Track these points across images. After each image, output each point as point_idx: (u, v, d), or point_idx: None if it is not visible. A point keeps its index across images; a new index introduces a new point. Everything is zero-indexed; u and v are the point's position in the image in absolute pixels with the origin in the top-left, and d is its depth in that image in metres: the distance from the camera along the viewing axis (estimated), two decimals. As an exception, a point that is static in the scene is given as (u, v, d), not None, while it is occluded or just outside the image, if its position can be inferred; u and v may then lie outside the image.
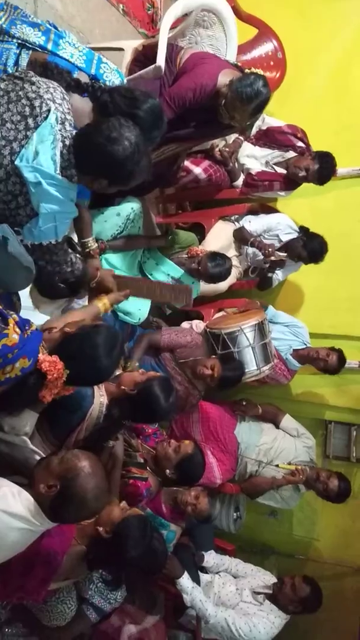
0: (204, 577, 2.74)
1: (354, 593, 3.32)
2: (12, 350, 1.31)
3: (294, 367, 3.23)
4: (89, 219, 2.11)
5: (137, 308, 2.59)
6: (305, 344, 3.24)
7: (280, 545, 3.58)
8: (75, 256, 1.84)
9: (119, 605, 2.24)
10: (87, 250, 2.08)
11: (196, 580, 2.62)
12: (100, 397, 1.84)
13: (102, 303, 1.95)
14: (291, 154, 3.12)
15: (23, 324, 1.39)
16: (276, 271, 3.29)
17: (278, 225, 3.26)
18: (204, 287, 3.03)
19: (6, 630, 2.07)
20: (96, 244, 2.12)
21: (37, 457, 1.64)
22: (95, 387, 1.86)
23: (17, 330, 1.35)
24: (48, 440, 1.76)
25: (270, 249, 3.09)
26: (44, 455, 1.65)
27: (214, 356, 2.74)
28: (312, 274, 3.48)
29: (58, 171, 1.52)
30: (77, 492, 1.43)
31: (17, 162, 1.47)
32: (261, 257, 3.18)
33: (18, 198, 1.53)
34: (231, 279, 3.18)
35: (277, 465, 3.01)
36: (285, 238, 3.24)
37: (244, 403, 3.31)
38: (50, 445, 1.76)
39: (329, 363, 3.06)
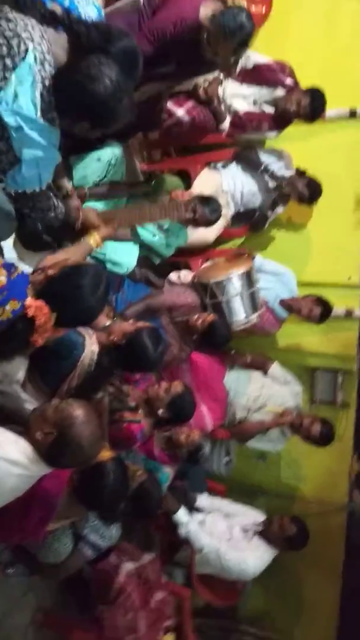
0: (196, 516, 2.86)
1: (338, 529, 3.50)
2: (1, 292, 1.31)
3: (281, 316, 3.25)
4: (60, 164, 2.01)
5: (125, 257, 2.55)
6: (292, 293, 3.26)
7: (269, 486, 3.72)
8: (58, 200, 1.79)
9: (117, 544, 2.35)
10: (64, 191, 1.99)
11: (189, 518, 2.74)
12: (91, 345, 1.84)
13: (93, 238, 1.92)
14: (280, 92, 3.01)
15: (9, 266, 1.37)
16: (276, 209, 3.25)
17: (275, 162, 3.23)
18: (191, 238, 2.99)
19: (8, 570, 2.16)
20: (70, 184, 2.04)
21: (30, 407, 1.65)
22: (87, 336, 1.85)
23: (4, 272, 1.33)
24: (40, 389, 1.77)
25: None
26: (36, 405, 1.67)
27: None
28: (298, 220, 3.46)
29: (39, 114, 1.45)
30: (73, 439, 1.46)
31: None
32: (258, 193, 3.12)
33: None
34: (219, 228, 3.13)
35: (264, 407, 3.09)
36: (282, 174, 3.19)
37: (233, 352, 3.35)
38: (42, 394, 1.76)
39: (313, 314, 3.09)
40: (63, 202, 1.92)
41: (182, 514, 2.65)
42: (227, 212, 3.20)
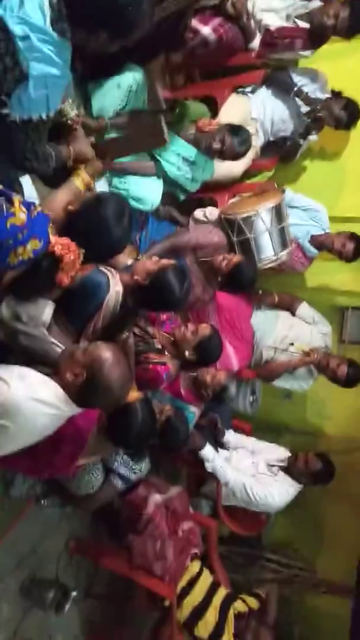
0: (222, 452, 2.92)
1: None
2: (21, 230, 1.26)
3: (311, 253, 3.13)
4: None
5: (149, 192, 2.44)
6: (323, 230, 3.11)
7: (294, 424, 3.76)
8: (49, 147, 1.65)
9: (145, 477, 2.42)
10: (64, 118, 1.80)
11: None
12: (116, 286, 1.80)
13: (80, 178, 1.76)
14: (316, 3, 2.71)
15: (28, 205, 1.31)
16: (309, 136, 3.06)
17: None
18: (218, 171, 2.82)
19: (43, 502, 2.27)
20: (74, 111, 1.87)
21: (57, 349, 1.65)
22: (110, 276, 1.80)
23: (24, 209, 1.28)
24: (66, 330, 1.75)
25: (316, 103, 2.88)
26: (63, 347, 1.66)
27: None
28: (332, 149, 3.23)
29: (48, 24, 1.31)
30: (103, 381, 1.47)
31: (0, 12, 1.26)
32: (289, 120, 2.93)
33: (5, 58, 1.32)
34: (247, 161, 2.96)
35: (291, 344, 3.05)
36: (317, 96, 2.98)
37: (260, 292, 3.27)
38: (69, 336, 1.75)
39: (346, 251, 2.96)
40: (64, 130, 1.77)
41: (208, 450, 2.70)
42: (256, 142, 3.01)
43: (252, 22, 2.71)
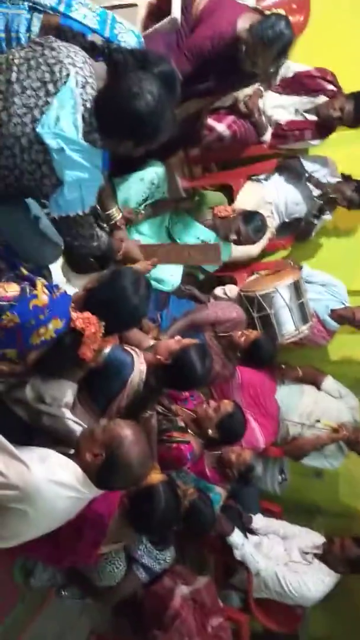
0: (252, 538, 2.77)
1: None
2: (43, 311, 1.33)
3: (332, 327, 3.15)
4: (110, 190, 2.06)
5: (169, 274, 2.55)
6: (343, 303, 3.15)
7: (326, 505, 3.57)
8: (101, 230, 1.81)
9: (170, 567, 2.30)
10: (112, 222, 2.04)
11: (245, 539, 2.66)
12: (140, 365, 1.84)
13: None
14: (322, 98, 2.94)
15: (51, 287, 1.39)
16: (323, 216, 3.19)
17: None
18: (236, 251, 2.95)
19: (63, 593, 2.16)
20: (120, 215, 2.08)
21: (80, 428, 1.66)
22: (135, 356, 1.85)
23: (46, 291, 1.36)
24: (91, 409, 1.77)
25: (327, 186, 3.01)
26: (86, 426, 1.67)
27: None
28: (346, 227, 3.34)
29: (80, 136, 1.47)
30: (123, 460, 1.45)
31: (38, 129, 1.43)
32: (302, 202, 3.04)
33: (42, 167, 1.49)
34: (263, 241, 3.08)
35: (317, 421, 2.97)
36: (327, 181, 3.13)
37: (284, 367, 3.26)
38: (93, 415, 1.77)
39: None
40: (109, 231, 1.95)
41: (237, 536, 2.57)
42: (272, 223, 3.15)
43: (263, 117, 2.94)
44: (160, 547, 2.10)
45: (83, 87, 1.48)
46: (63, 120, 1.44)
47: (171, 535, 2.09)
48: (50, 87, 1.45)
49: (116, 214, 2.07)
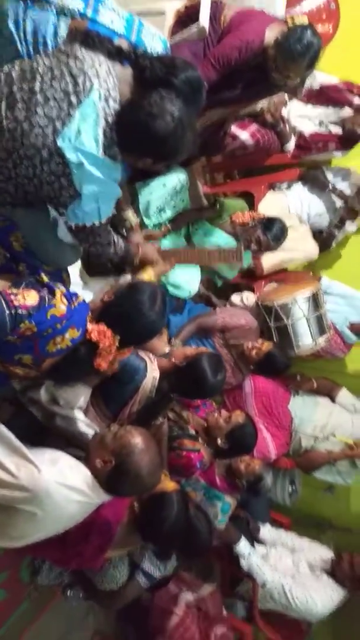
0: (259, 549, 2.75)
1: None
2: (60, 321, 1.34)
3: (350, 340, 3.11)
4: (127, 194, 2.07)
5: (187, 281, 2.55)
6: (362, 316, 3.11)
7: (337, 520, 3.52)
8: (118, 236, 1.82)
9: (175, 573, 2.29)
10: (128, 225, 2.05)
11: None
12: (153, 371, 1.84)
13: (147, 275, 1.93)
14: (347, 111, 2.92)
15: (70, 296, 1.40)
16: (344, 227, 3.18)
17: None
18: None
19: (68, 592, 2.18)
20: (136, 218, 2.09)
21: (92, 431, 1.67)
22: (148, 361, 1.86)
23: (65, 301, 1.37)
24: (102, 413, 1.79)
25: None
26: (98, 430, 1.68)
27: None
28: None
29: (101, 151, 1.48)
30: (132, 467, 1.45)
31: (59, 142, 1.44)
32: (325, 214, 3.03)
33: (61, 179, 1.50)
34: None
35: (333, 435, 2.93)
36: (350, 193, 3.12)
37: (298, 377, 3.23)
38: (104, 419, 1.78)
39: None
40: (126, 234, 1.95)
41: (243, 546, 2.56)
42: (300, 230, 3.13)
43: (287, 127, 2.93)
44: (161, 558, 2.09)
45: (106, 100, 1.48)
46: (84, 134, 1.44)
47: (173, 549, 2.06)
48: (73, 98, 1.45)
49: (132, 217, 2.08)
